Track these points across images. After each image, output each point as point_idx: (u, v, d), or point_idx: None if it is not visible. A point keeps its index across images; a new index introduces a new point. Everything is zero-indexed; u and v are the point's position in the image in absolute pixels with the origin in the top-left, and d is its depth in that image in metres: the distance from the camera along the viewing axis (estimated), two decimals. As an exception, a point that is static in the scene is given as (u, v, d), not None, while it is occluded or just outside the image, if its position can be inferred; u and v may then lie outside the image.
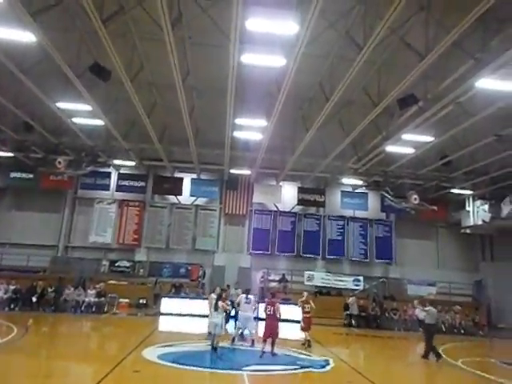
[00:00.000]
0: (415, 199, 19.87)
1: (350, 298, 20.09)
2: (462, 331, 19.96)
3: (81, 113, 15.65)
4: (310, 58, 11.71)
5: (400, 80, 11.49)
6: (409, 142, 16.35)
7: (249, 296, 12.55)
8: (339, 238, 24.98)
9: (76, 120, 16.57)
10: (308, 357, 11.63)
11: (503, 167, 18.53)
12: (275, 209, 25.23)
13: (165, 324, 16.93)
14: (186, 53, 12.49)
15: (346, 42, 10.85)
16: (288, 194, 25.10)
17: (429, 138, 15.68)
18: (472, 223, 22.86)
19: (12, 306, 17.50)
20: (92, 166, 20.74)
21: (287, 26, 8.92)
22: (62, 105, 14.86)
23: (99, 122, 16.28)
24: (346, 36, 10.70)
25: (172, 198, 25.00)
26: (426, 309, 13.63)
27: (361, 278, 23.84)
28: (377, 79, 13.03)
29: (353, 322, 19.34)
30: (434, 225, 25.89)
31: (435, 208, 21.32)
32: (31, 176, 23.06)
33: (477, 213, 22.46)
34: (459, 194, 22.87)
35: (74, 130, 17.68)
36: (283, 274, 23.61)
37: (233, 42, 9.70)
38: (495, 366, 12.74)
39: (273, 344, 11.12)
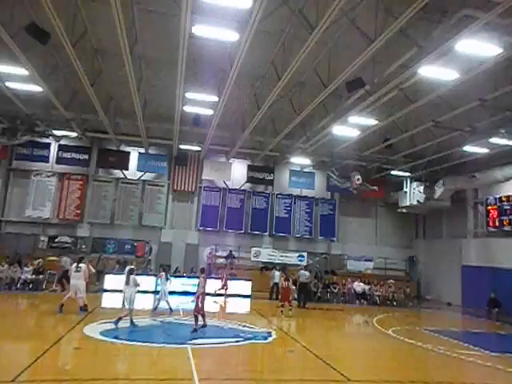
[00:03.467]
0: (358, 180, 20.83)
1: (273, 271, 20.65)
2: (394, 303, 21.61)
3: (16, 77, 14.34)
4: (263, 35, 11.61)
5: (349, 63, 11.78)
6: (355, 125, 16.94)
7: (80, 265, 13.11)
8: (286, 215, 25.66)
9: (10, 84, 15.23)
10: (251, 329, 12.04)
11: (439, 151, 19.89)
12: (224, 186, 25.26)
13: (108, 300, 16.59)
14: (134, 19, 11.82)
15: (300, 21, 10.86)
16: (237, 172, 25.21)
17: (373, 121, 16.35)
18: (408, 203, 24.44)
19: None
20: (28, 136, 19.22)
21: (240, -1, 8.74)
22: (-7, 67, 13.57)
23: (37, 89, 15.08)
24: (299, 15, 10.70)
25: (118, 173, 24.10)
26: (301, 272, 18.50)
27: (305, 254, 24.84)
28: (327, 61, 13.25)
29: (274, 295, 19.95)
30: (374, 204, 27.37)
31: (376, 188, 22.52)
32: (-42, 144, 21.05)
33: (413, 194, 24.03)
34: (398, 176, 24.26)
35: (8, 96, 16.28)
36: (230, 251, 23.94)
37: (184, 11, 9.33)
38: (420, 333, 14.01)
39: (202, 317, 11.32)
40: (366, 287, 21.81)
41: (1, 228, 22.47)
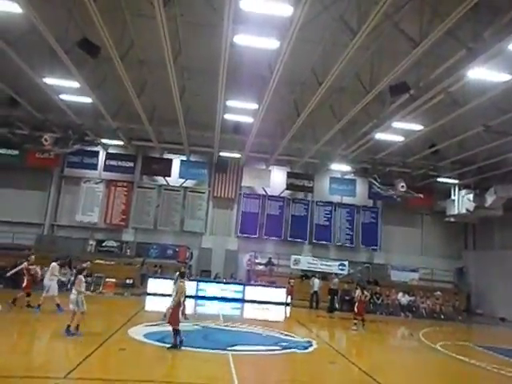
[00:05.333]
0: (402, 187, 20.13)
1: (314, 279, 20.38)
2: (442, 316, 20.57)
3: (68, 89, 15.26)
4: (303, 42, 11.55)
5: (392, 67, 11.49)
6: (398, 130, 16.45)
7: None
8: (326, 223, 25.27)
9: (63, 96, 16.20)
10: (291, 338, 11.88)
11: (490, 157, 18.82)
12: (264, 193, 25.30)
13: (151, 304, 17.04)
14: (178, 31, 12.21)
15: (340, 27, 10.74)
16: (277, 179, 25.18)
17: (418, 127, 15.79)
18: (456, 212, 23.27)
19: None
20: (79, 145, 20.40)
21: (281, 7, 8.80)
22: (49, 80, 14.47)
23: (87, 100, 15.96)
24: (340, 20, 10.59)
25: (160, 180, 24.86)
26: (334, 281, 19.79)
27: (346, 262, 24.27)
28: (369, 66, 12.98)
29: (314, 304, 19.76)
30: (419, 212, 26.32)
31: (421, 196, 21.65)
32: (17, 153, 22.62)
33: (461, 202, 22.85)
34: (445, 183, 23.20)
35: (61, 107, 17.30)
36: (269, 258, 23.88)
37: (226, 22, 9.53)
38: (471, 349, 13.21)
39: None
40: (412, 299, 20.93)
41: (53, 232, 23.80)
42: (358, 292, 15.02)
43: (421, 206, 25.18)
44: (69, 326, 9.47)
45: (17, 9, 9.94)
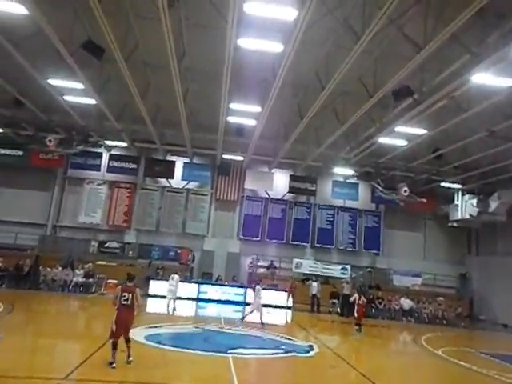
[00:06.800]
0: (405, 191, 20.04)
1: (311, 282, 20.81)
2: (445, 322, 20.45)
3: (73, 91, 15.34)
4: (307, 45, 11.57)
5: (396, 71, 11.46)
6: (402, 134, 16.41)
7: None
8: (329, 226, 25.19)
9: (67, 98, 16.26)
10: (292, 341, 11.83)
11: (494, 162, 18.72)
12: (266, 196, 25.28)
13: (152, 306, 17.02)
14: (182, 33, 12.25)
15: (344, 31, 10.74)
16: (280, 182, 25.16)
17: (421, 131, 15.75)
18: (459, 217, 23.14)
19: (-2, 284, 17.42)
20: (83, 146, 20.46)
21: (286, 10, 8.80)
22: (53, 81, 14.56)
23: (91, 101, 16.01)
24: (344, 24, 10.59)
25: (163, 181, 24.88)
26: (346, 286, 19.80)
27: (348, 266, 24.13)
28: (373, 70, 12.96)
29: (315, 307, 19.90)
30: (422, 217, 26.20)
31: (424, 200, 21.49)
32: (21, 153, 22.69)
33: (465, 207, 22.72)
34: (448, 188, 23.10)
35: (66, 108, 17.37)
36: (271, 261, 23.82)
37: (230, 25, 9.54)
38: (473, 356, 13.10)
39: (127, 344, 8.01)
40: (414, 304, 20.82)
41: (56, 232, 23.83)
42: (355, 296, 15.01)
43: (424, 211, 25.05)
44: None
45: (22, 10, 10.00)
